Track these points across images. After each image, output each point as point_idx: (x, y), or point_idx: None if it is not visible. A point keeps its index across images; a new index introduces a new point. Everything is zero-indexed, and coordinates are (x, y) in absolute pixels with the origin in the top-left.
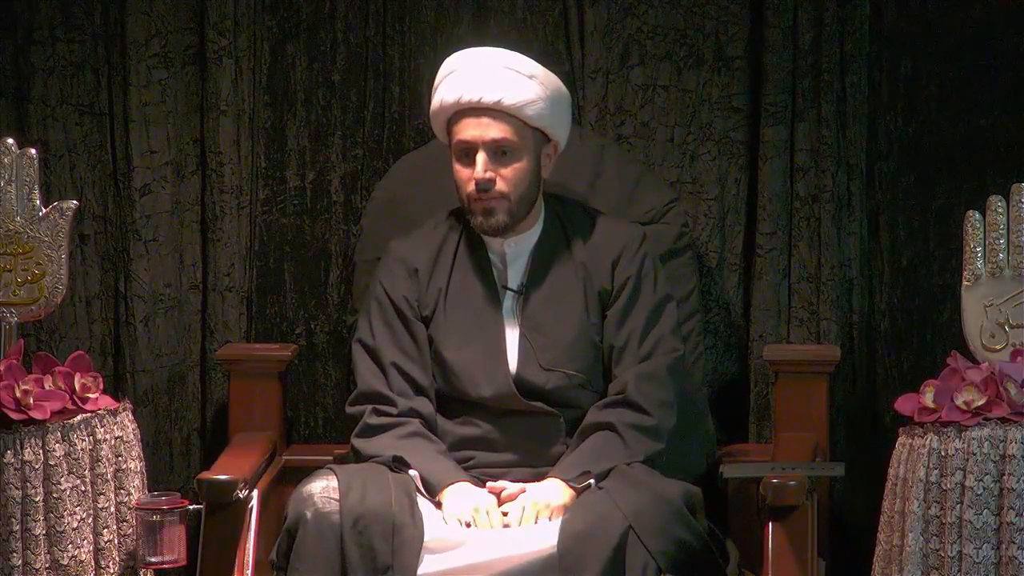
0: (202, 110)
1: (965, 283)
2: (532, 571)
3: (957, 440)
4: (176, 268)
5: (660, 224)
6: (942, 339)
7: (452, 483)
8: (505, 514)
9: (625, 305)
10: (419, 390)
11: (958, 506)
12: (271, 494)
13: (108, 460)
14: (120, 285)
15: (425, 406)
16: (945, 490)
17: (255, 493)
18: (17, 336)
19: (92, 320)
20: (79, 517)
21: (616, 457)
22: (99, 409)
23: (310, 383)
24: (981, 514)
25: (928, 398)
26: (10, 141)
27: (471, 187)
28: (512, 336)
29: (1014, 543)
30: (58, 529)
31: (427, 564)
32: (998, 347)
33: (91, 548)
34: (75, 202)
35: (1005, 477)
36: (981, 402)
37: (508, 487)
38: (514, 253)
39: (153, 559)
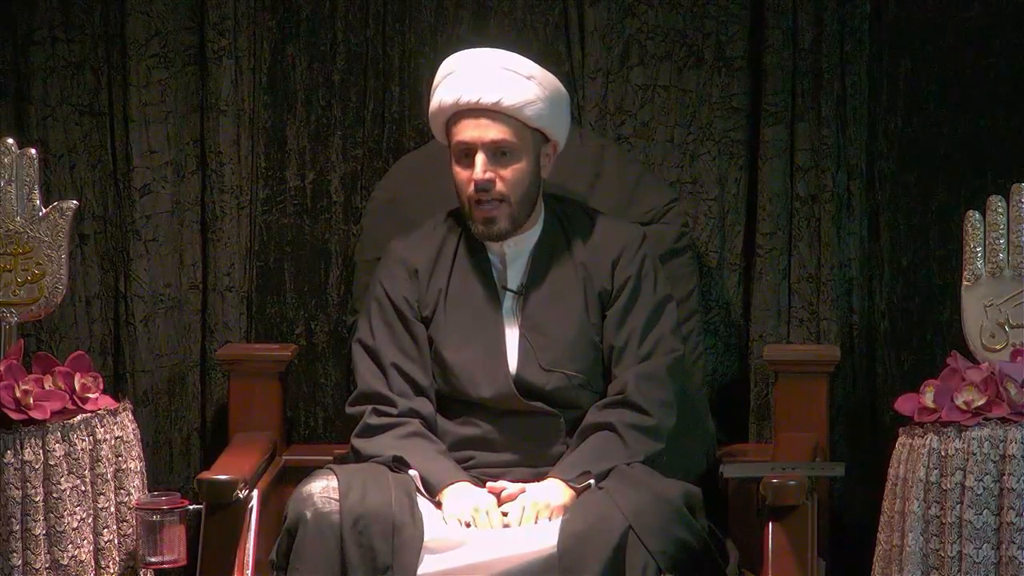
0: (202, 110)
1: (965, 283)
2: (532, 571)
3: (957, 440)
4: (176, 268)
5: (660, 224)
6: (942, 339)
7: (452, 483)
8: (505, 514)
9: (625, 305)
10: (419, 390)
11: (958, 506)
12: (271, 494)
13: (108, 460)
14: (120, 285)
15: (425, 406)
16: (945, 490)
17: (255, 493)
18: (17, 336)
19: (92, 320)
20: (79, 517)
21: (616, 457)
22: (99, 409)
23: (310, 383)
24: (981, 514)
25: (928, 398)
26: (10, 141)
27: (471, 188)
28: (512, 336)
29: (1014, 543)
30: (58, 529)
31: (427, 564)
32: (998, 347)
33: (91, 548)
34: (75, 202)
35: (1005, 477)
36: (981, 402)
37: (508, 487)
38: (514, 253)
39: (153, 559)
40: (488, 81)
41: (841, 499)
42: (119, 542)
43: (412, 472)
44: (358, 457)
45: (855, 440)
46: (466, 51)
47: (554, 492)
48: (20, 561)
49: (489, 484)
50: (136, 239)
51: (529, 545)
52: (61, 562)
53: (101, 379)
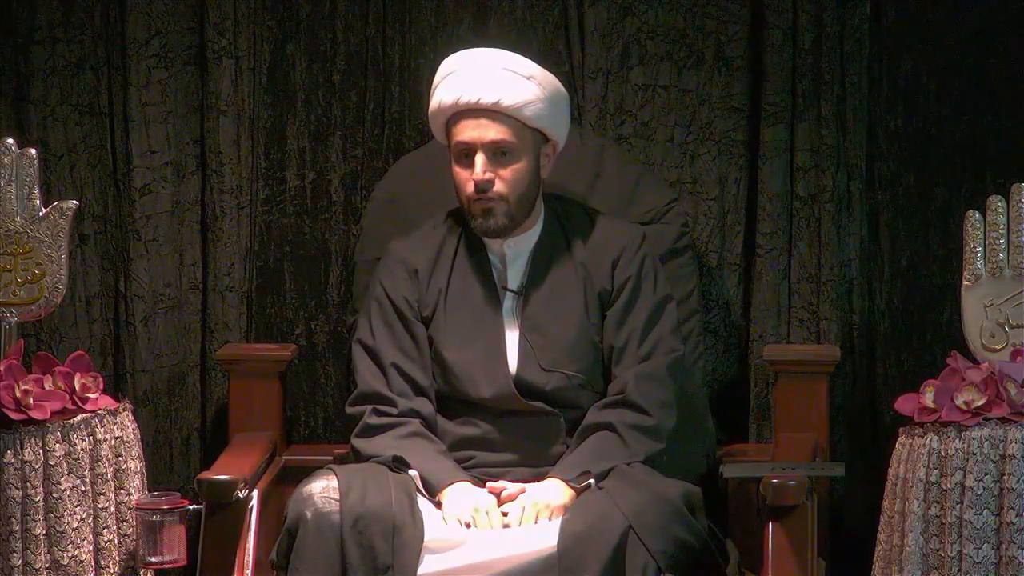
0: (202, 110)
1: (965, 283)
2: (532, 571)
3: (957, 440)
4: (176, 268)
5: (660, 224)
6: (942, 339)
7: (452, 483)
8: (505, 514)
9: (625, 305)
10: (419, 391)
11: (958, 506)
12: (271, 494)
13: (108, 460)
14: (120, 285)
15: (425, 406)
16: (945, 490)
17: (255, 493)
18: (17, 336)
19: (92, 320)
20: (79, 517)
21: (616, 457)
22: (99, 409)
23: (310, 383)
24: (981, 514)
25: (928, 398)
26: (10, 141)
27: (470, 188)
28: (512, 337)
29: (1014, 543)
30: (58, 529)
31: (427, 564)
32: (998, 347)
33: (91, 548)
34: (75, 202)
35: (1005, 477)
36: (981, 402)
37: (508, 487)
38: (514, 254)
39: (153, 559)
40: (488, 81)
41: (841, 499)
42: (119, 542)
43: (412, 472)
44: (358, 457)
45: (855, 440)
46: (466, 51)
47: (554, 492)
48: (20, 561)
49: (489, 484)
50: (136, 239)
51: (529, 545)
52: (61, 562)
53: (101, 379)
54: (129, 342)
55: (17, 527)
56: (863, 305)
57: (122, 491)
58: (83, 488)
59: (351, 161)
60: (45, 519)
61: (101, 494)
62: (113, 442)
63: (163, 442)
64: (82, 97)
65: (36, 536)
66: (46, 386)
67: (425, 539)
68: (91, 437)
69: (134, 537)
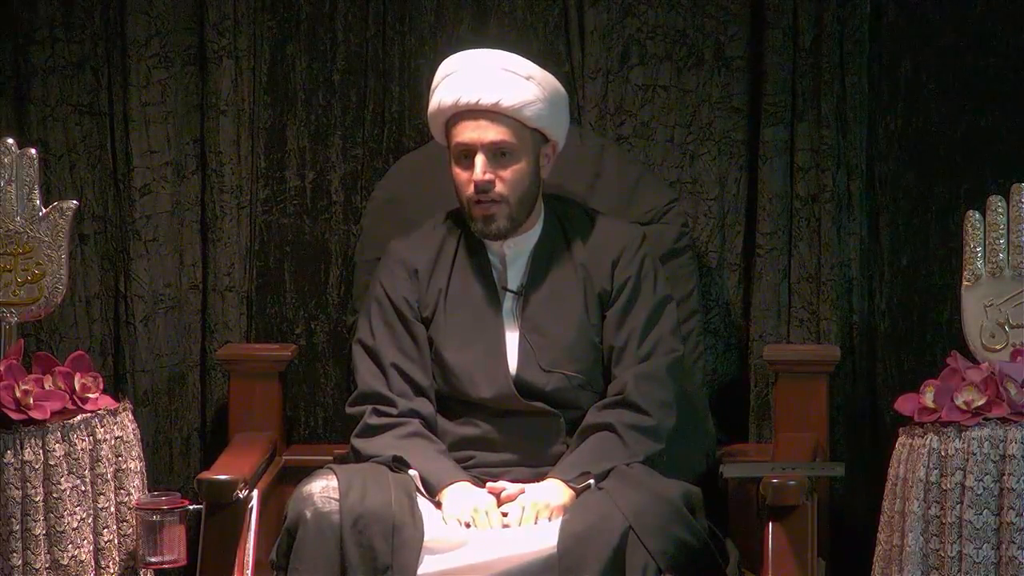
0: (202, 110)
1: (965, 283)
2: (532, 571)
3: (957, 440)
4: (176, 268)
5: (660, 224)
6: (942, 339)
7: (452, 483)
8: (505, 514)
9: (625, 306)
10: (419, 391)
11: (958, 506)
12: (271, 494)
13: (108, 460)
14: (120, 285)
15: (425, 407)
16: (945, 490)
17: (255, 493)
18: (17, 336)
19: (92, 320)
20: (79, 517)
21: (616, 457)
22: (99, 409)
23: (310, 383)
24: (981, 514)
25: (928, 398)
26: (10, 141)
27: (470, 189)
28: (512, 337)
29: (1014, 543)
30: (58, 529)
31: (427, 564)
32: (998, 347)
33: (91, 548)
34: (75, 202)
35: (1005, 477)
36: (981, 402)
37: (508, 487)
38: (514, 254)
39: (153, 559)
40: (487, 82)
41: (841, 499)
42: (119, 542)
43: (412, 472)
44: (358, 457)
45: (855, 440)
46: (465, 52)
47: (554, 492)
48: (20, 561)
49: (489, 484)
50: (136, 239)
51: (529, 545)
52: (61, 562)
53: (101, 379)
54: (129, 342)
55: (17, 527)
56: (863, 305)
57: (122, 491)
58: (83, 488)
59: (351, 161)
60: (45, 519)
61: (101, 494)
62: (113, 442)
63: (163, 442)
64: (82, 97)
65: (36, 536)
66: (46, 386)
67: (425, 539)
68: (91, 437)
69: (134, 537)
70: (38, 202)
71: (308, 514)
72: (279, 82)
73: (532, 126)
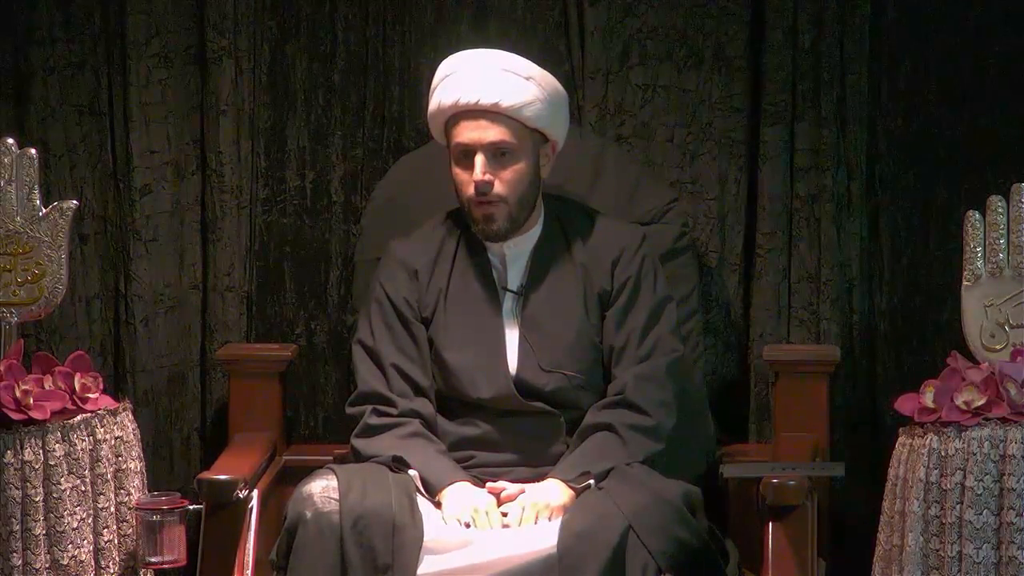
0: (202, 110)
1: (965, 283)
2: (532, 571)
3: (957, 440)
4: (176, 268)
5: (660, 224)
6: (942, 339)
7: (452, 483)
8: (505, 514)
9: (624, 306)
10: (419, 391)
11: (958, 506)
12: (271, 494)
13: (108, 460)
14: (120, 285)
15: (425, 407)
16: (945, 490)
17: (255, 493)
18: (17, 336)
19: (92, 320)
20: (79, 517)
21: (616, 457)
22: (99, 409)
23: (310, 383)
24: (981, 514)
25: (928, 398)
26: (10, 141)
27: (470, 190)
28: (512, 337)
29: (1014, 543)
30: (58, 529)
31: (427, 564)
32: (998, 347)
33: (91, 548)
34: (75, 202)
35: (1005, 477)
36: (981, 402)
37: (508, 487)
38: (514, 254)
39: (153, 559)
40: (487, 82)
41: (841, 499)
42: (119, 542)
43: (412, 472)
44: (358, 457)
45: (855, 440)
46: (465, 52)
47: (554, 492)
48: (20, 561)
49: (489, 484)
50: (136, 239)
51: (529, 545)
52: (61, 562)
53: (101, 379)
54: (129, 342)
55: (17, 527)
56: (863, 305)
57: (122, 491)
58: (83, 488)
59: (351, 161)
60: (45, 519)
61: (101, 494)
62: (113, 442)
63: (163, 442)
64: (82, 97)
65: (36, 536)
66: (46, 386)
67: (425, 539)
68: (91, 437)
69: (134, 537)
70: (38, 202)
71: (308, 514)
72: (279, 82)
73: (532, 126)
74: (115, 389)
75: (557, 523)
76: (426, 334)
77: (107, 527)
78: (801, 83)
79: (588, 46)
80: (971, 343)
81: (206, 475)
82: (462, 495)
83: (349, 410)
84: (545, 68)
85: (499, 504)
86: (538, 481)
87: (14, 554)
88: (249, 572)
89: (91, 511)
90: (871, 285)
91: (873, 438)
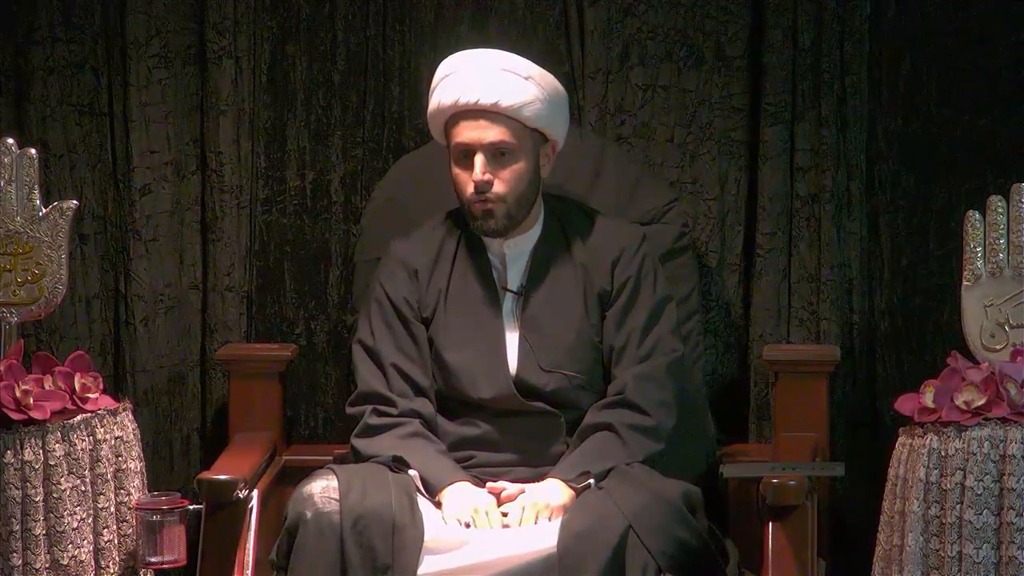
0: (202, 110)
1: (965, 283)
2: (532, 571)
3: (957, 440)
4: (176, 268)
5: (660, 224)
6: (942, 339)
7: (452, 483)
8: (505, 514)
9: (624, 306)
10: (419, 391)
11: (958, 506)
12: (271, 494)
13: (108, 460)
14: (120, 285)
15: (425, 407)
16: (945, 490)
17: (255, 493)
18: (17, 336)
19: (92, 320)
20: (79, 517)
21: (616, 457)
22: (99, 409)
23: (310, 383)
24: (981, 514)
25: (928, 398)
26: (10, 141)
27: (470, 190)
28: (512, 337)
29: (1014, 543)
30: (58, 529)
31: (427, 564)
32: (998, 347)
33: (91, 548)
34: (75, 202)
35: (1005, 477)
36: (981, 402)
37: (508, 487)
38: (514, 254)
39: (153, 559)
40: (486, 82)
41: (841, 499)
42: (119, 542)
43: (412, 472)
44: (358, 457)
45: (855, 440)
46: (464, 52)
47: (554, 492)
48: (20, 561)
49: (489, 484)
50: (136, 239)
51: (529, 545)
52: (61, 562)
53: (101, 379)
54: (129, 342)
55: (17, 527)
56: (863, 305)
57: (122, 491)
58: (83, 488)
59: (351, 161)
60: (45, 519)
61: (101, 494)
62: (113, 442)
63: (163, 442)
64: (82, 97)
65: (36, 536)
66: (46, 386)
67: (425, 539)
68: (91, 437)
69: (134, 537)
70: (38, 202)
71: (308, 514)
72: (279, 82)
73: (531, 126)
74: (115, 389)
75: (557, 523)
76: (426, 334)
77: (107, 527)
78: (801, 83)
79: (588, 46)
80: (971, 343)
81: (206, 475)
82: (462, 495)
83: (349, 410)
84: (545, 68)
85: (499, 504)
86: (538, 481)
87: (14, 554)
88: (249, 572)
89: (91, 511)
90: (871, 285)
91: (873, 438)
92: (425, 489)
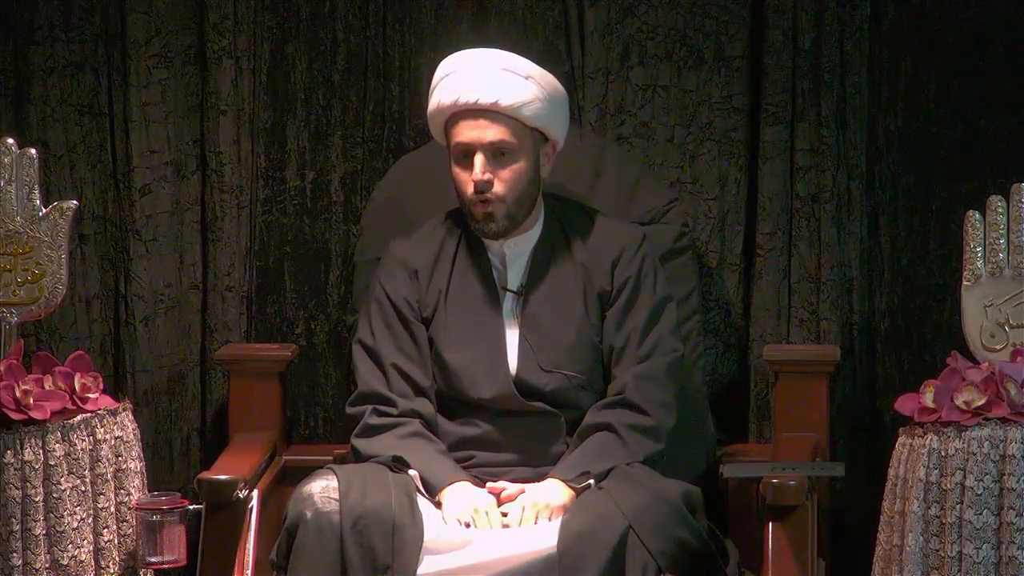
0: (202, 110)
1: (965, 283)
2: (532, 571)
3: (957, 440)
4: (176, 268)
5: (660, 224)
6: (942, 339)
7: (452, 483)
8: (505, 514)
9: (624, 306)
10: (419, 391)
11: (958, 506)
12: (271, 494)
13: (108, 460)
14: (120, 285)
15: (425, 407)
16: (945, 490)
17: (255, 493)
18: (17, 336)
19: (92, 320)
20: (79, 517)
21: (616, 457)
22: (99, 409)
23: (310, 383)
24: (981, 514)
25: (928, 398)
26: (10, 141)
27: (470, 189)
28: (512, 337)
29: (1014, 543)
30: (58, 529)
31: (427, 564)
32: (998, 347)
33: (91, 548)
34: (75, 202)
35: (1005, 477)
36: (981, 402)
37: (508, 487)
38: (514, 254)
39: (153, 559)
40: (486, 82)
41: (841, 499)
42: (119, 542)
43: (412, 472)
44: (358, 457)
45: (855, 440)
46: (464, 52)
47: (554, 492)
48: (20, 561)
49: (489, 484)
50: (136, 239)
51: (529, 545)
52: (61, 562)
53: (101, 379)
54: (129, 342)
55: (17, 527)
56: (863, 305)
57: (122, 491)
58: (83, 488)
59: (351, 161)
60: (45, 519)
61: (101, 494)
62: (113, 442)
63: (163, 442)
64: (82, 97)
65: (36, 536)
66: (46, 386)
67: (425, 539)
68: (91, 437)
69: (134, 537)
70: (38, 202)
71: (308, 514)
72: (279, 82)
73: (531, 125)
74: (115, 389)
75: (557, 523)
76: (426, 334)
77: (107, 527)
78: (801, 83)
79: (588, 46)
80: (971, 343)
81: (206, 475)
82: (462, 495)
83: (349, 410)
84: (545, 68)
85: (499, 504)
86: (538, 481)
87: (14, 554)
88: (249, 572)
89: (91, 511)
90: (871, 285)
91: (873, 438)
92: (425, 489)
